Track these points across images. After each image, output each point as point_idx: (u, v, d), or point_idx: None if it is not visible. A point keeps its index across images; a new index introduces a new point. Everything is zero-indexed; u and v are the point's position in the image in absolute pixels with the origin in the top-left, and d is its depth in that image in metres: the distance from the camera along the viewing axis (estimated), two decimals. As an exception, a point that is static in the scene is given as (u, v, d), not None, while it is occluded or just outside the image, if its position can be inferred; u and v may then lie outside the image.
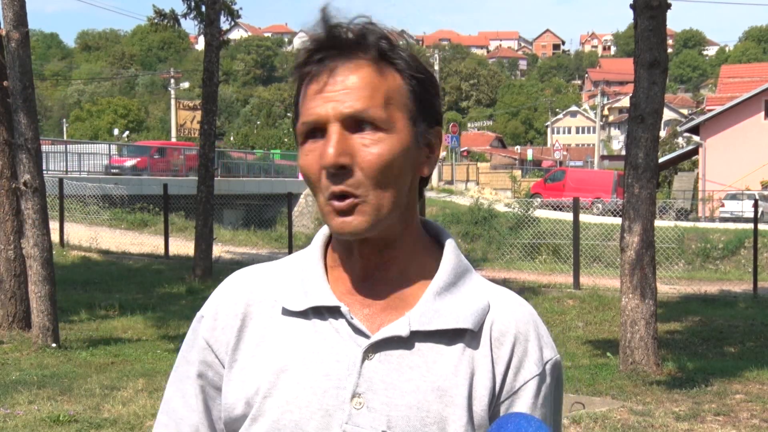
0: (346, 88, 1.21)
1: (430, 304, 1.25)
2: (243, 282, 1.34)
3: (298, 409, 1.23)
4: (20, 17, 9.22)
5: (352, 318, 1.24)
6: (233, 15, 19.00)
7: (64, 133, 73.83)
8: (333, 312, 1.26)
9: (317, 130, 1.22)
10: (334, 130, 1.20)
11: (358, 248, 1.27)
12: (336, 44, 1.24)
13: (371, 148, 1.20)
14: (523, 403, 1.27)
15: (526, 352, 1.28)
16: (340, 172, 1.19)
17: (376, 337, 1.24)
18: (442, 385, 1.23)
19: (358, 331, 1.24)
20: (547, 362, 1.29)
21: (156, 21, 18.94)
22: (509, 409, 1.26)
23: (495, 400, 1.26)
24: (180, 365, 1.36)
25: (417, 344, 1.24)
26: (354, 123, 1.21)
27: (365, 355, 1.23)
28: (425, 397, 1.22)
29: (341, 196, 1.20)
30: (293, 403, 1.23)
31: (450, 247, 1.32)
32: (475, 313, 1.26)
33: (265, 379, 1.25)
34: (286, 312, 1.28)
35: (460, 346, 1.25)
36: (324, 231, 1.35)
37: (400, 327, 1.24)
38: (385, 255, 1.28)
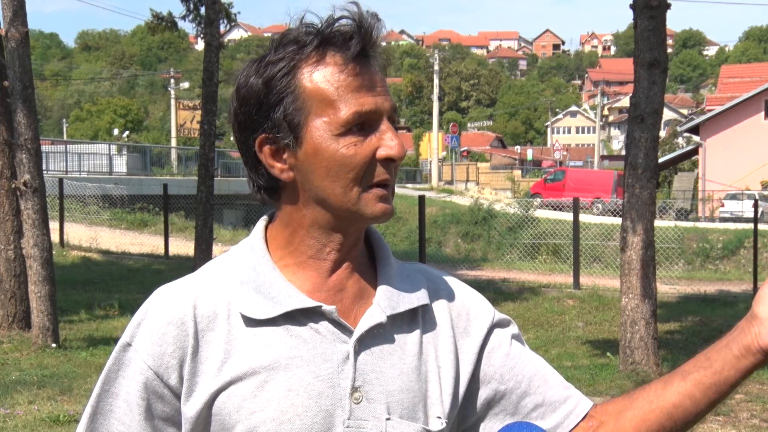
0: (384, 85, 1.25)
1: (391, 289, 1.28)
2: (180, 298, 1.24)
3: (297, 417, 1.19)
4: (20, 17, 9.22)
5: (338, 318, 1.23)
6: (230, 19, 18.99)
7: (64, 133, 73.75)
8: (309, 313, 1.23)
9: (365, 123, 1.22)
10: (388, 124, 1.23)
11: (342, 240, 1.26)
12: (371, 41, 1.23)
13: (398, 142, 1.24)
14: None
15: (468, 310, 1.36)
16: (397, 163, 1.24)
17: (361, 329, 1.24)
18: (416, 364, 1.27)
19: (339, 326, 1.24)
20: None
21: (154, 23, 18.92)
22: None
23: (456, 360, 1.31)
24: (101, 401, 1.25)
25: (388, 329, 1.27)
26: (390, 119, 1.24)
27: (354, 349, 1.23)
28: (408, 378, 1.26)
29: (386, 184, 1.24)
30: (290, 412, 1.19)
31: (377, 232, 1.36)
32: (425, 288, 1.32)
33: (246, 394, 1.19)
34: (251, 321, 1.22)
35: (419, 321, 1.30)
36: (260, 233, 1.30)
37: (378, 315, 1.25)
38: (356, 247, 1.29)
